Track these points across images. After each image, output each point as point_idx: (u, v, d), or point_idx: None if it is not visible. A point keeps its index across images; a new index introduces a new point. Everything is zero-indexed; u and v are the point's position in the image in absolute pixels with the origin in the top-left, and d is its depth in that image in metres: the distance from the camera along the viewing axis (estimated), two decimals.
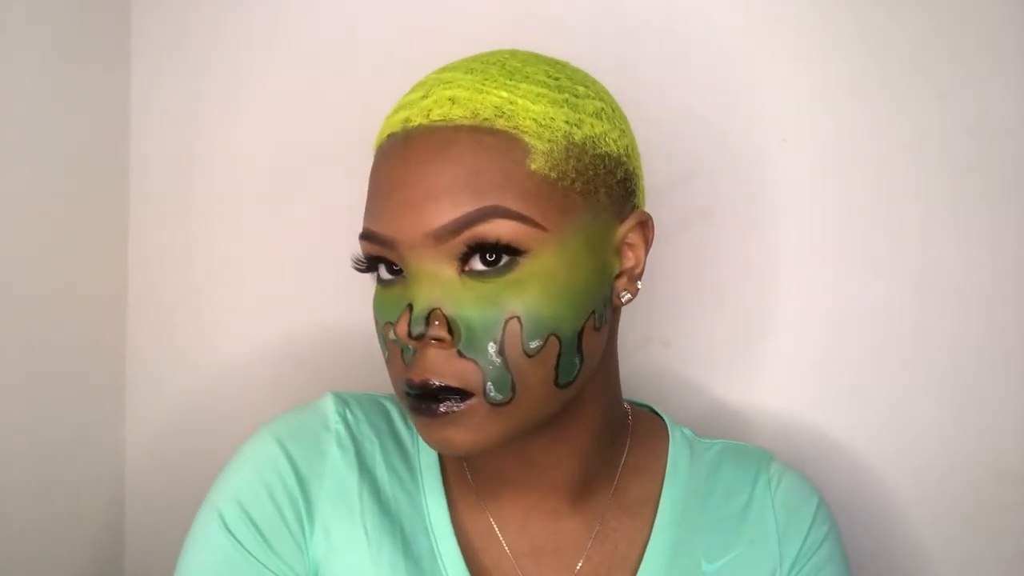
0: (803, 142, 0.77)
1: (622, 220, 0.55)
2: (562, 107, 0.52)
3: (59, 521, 0.80)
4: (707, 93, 0.79)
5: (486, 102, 0.51)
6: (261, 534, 0.54)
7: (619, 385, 0.61)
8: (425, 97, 0.52)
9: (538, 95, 0.52)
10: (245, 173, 0.87)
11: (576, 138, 0.52)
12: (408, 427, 0.61)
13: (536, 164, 0.50)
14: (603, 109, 0.54)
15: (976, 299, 0.74)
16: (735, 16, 0.78)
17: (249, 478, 0.56)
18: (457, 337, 0.50)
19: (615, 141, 0.54)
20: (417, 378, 0.50)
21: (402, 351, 0.51)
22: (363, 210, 0.54)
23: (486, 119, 0.50)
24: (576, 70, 0.56)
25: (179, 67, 0.87)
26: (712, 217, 0.79)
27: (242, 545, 0.54)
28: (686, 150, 0.79)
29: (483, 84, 0.52)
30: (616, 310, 0.57)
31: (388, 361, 0.53)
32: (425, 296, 0.50)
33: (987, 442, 0.74)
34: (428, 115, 0.51)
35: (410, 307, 0.50)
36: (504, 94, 0.51)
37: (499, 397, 0.50)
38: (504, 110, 0.50)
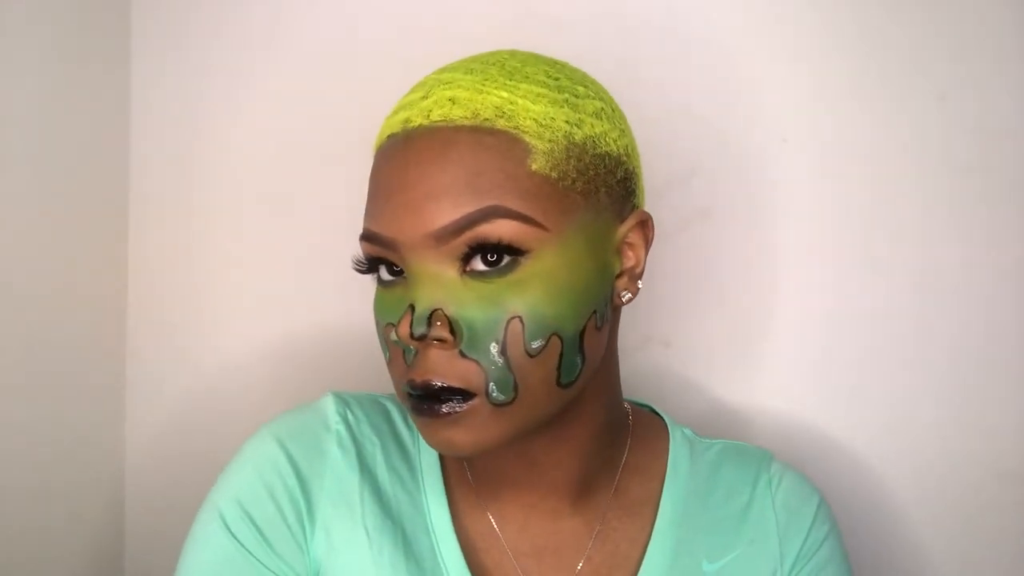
0: (803, 142, 0.77)
1: (622, 220, 0.55)
2: (562, 107, 0.52)
3: (59, 521, 0.80)
4: (707, 93, 0.79)
5: (486, 102, 0.51)
6: (262, 534, 0.54)
7: (619, 385, 0.61)
8: (425, 98, 0.52)
9: (538, 95, 0.52)
10: (245, 173, 0.87)
11: (576, 138, 0.52)
12: (409, 427, 0.61)
13: (537, 164, 0.50)
14: (603, 109, 0.54)
15: (976, 299, 0.74)
16: (735, 16, 0.78)
17: (250, 478, 0.56)
18: (459, 337, 0.50)
19: (615, 141, 0.54)
20: (419, 379, 0.50)
21: (404, 352, 0.51)
22: (363, 210, 0.54)
23: (486, 119, 0.50)
24: (575, 70, 0.56)
25: (179, 67, 0.87)
26: (712, 217, 0.79)
27: (243, 545, 0.54)
28: (686, 150, 0.79)
29: (483, 84, 0.52)
30: (616, 310, 0.57)
31: (390, 362, 0.53)
32: (427, 297, 0.50)
33: (987, 442, 0.74)
34: (428, 115, 0.51)
35: (412, 308, 0.50)
36: (504, 94, 0.51)
37: (501, 397, 0.50)
38: (504, 110, 0.50)
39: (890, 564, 0.76)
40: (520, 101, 0.51)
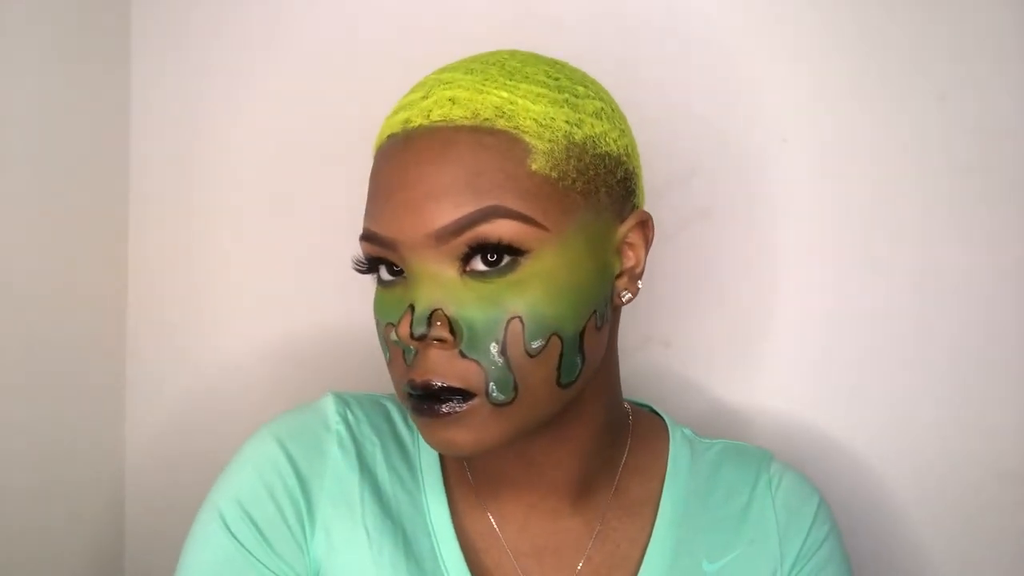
0: (803, 142, 0.77)
1: (622, 220, 0.55)
2: (562, 107, 0.52)
3: (59, 521, 0.80)
4: (707, 93, 0.79)
5: (486, 102, 0.51)
6: (262, 534, 0.54)
7: (619, 385, 0.61)
8: (425, 98, 0.52)
9: (538, 95, 0.52)
10: (245, 173, 0.87)
11: (576, 138, 0.52)
12: (409, 427, 0.61)
13: (537, 164, 0.50)
14: (603, 109, 0.54)
15: (976, 299, 0.74)
16: (735, 16, 0.78)
17: (250, 478, 0.56)
18: (459, 338, 0.50)
19: (615, 141, 0.54)
20: (419, 379, 0.50)
21: (404, 352, 0.51)
22: (363, 210, 0.54)
23: (486, 119, 0.50)
24: (575, 70, 0.56)
25: (179, 67, 0.87)
26: (712, 217, 0.79)
27: (243, 545, 0.54)
28: (686, 150, 0.79)
29: (483, 84, 0.52)
30: (616, 310, 0.57)
31: (390, 363, 0.53)
32: (427, 297, 0.50)
33: (987, 442, 0.74)
34: (428, 116, 0.51)
35: (412, 308, 0.50)
36: (504, 94, 0.51)
37: (501, 397, 0.50)
38: (504, 110, 0.50)
39: (890, 564, 0.76)
40: (520, 101, 0.51)
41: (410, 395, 0.51)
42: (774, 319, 0.79)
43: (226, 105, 0.87)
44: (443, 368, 0.50)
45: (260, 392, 0.87)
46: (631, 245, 0.55)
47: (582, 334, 0.51)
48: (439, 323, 0.49)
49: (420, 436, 0.59)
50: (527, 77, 0.52)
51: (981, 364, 0.74)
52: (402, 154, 0.51)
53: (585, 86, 0.55)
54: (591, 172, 0.52)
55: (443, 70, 0.55)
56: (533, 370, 0.50)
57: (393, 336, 0.51)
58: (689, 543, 0.59)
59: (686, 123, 0.79)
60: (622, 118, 0.57)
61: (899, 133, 0.75)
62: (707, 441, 0.65)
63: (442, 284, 0.50)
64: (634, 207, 0.56)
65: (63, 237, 0.79)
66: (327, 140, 0.84)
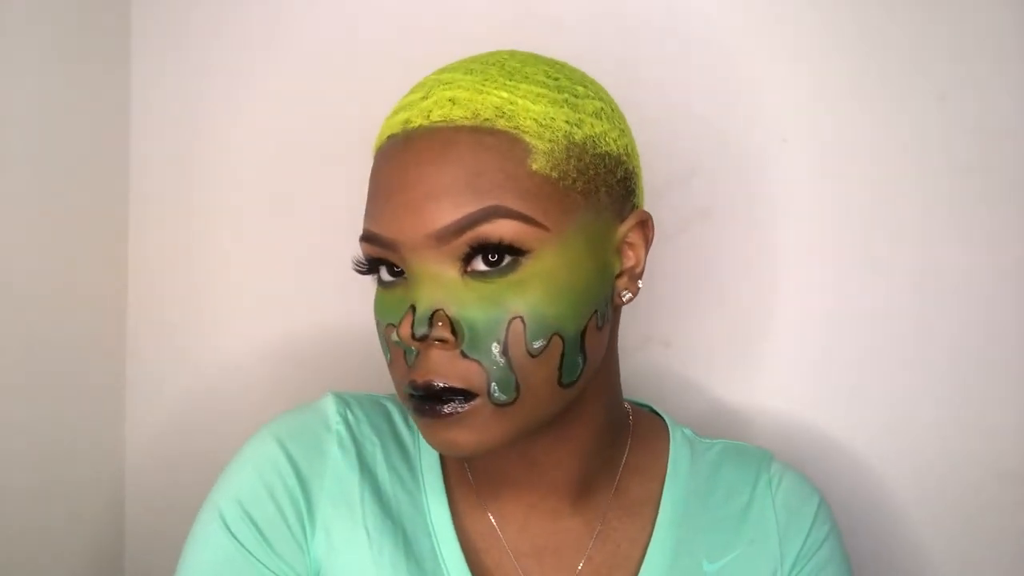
0: (803, 142, 0.77)
1: (622, 219, 0.55)
2: (562, 107, 0.52)
3: (59, 521, 0.80)
4: (707, 93, 0.79)
5: (486, 102, 0.51)
6: (262, 534, 0.54)
7: (620, 385, 0.61)
8: (425, 98, 0.52)
9: (538, 95, 0.52)
10: (245, 173, 0.87)
11: (576, 138, 0.52)
12: (409, 427, 0.61)
13: (537, 164, 0.50)
14: (602, 109, 0.54)
15: (976, 299, 0.74)
16: (735, 16, 0.78)
17: (250, 478, 0.56)
18: (460, 338, 0.50)
19: (615, 140, 0.54)
20: (421, 379, 0.50)
21: (405, 353, 0.51)
22: (363, 211, 0.53)
23: (487, 119, 0.50)
24: (574, 70, 0.56)
25: (179, 67, 0.87)
26: (712, 217, 0.79)
27: (243, 545, 0.54)
28: (686, 150, 0.79)
29: (483, 84, 0.52)
30: (617, 309, 0.57)
31: (391, 363, 0.53)
32: (428, 297, 0.50)
33: (987, 442, 0.74)
34: (428, 116, 0.51)
35: (413, 308, 0.50)
36: (504, 94, 0.51)
37: (503, 397, 0.50)
38: (505, 110, 0.50)
39: (890, 564, 0.76)
40: (520, 101, 0.51)
41: (411, 396, 0.51)
42: (774, 319, 0.79)
43: (226, 105, 0.87)
44: (444, 368, 0.50)
45: (260, 392, 0.87)
46: (631, 245, 0.55)
47: (583, 334, 0.51)
48: (440, 323, 0.49)
49: (420, 436, 0.59)
50: (527, 77, 0.52)
51: (981, 364, 0.74)
52: (402, 154, 0.51)
53: (585, 86, 0.55)
54: (591, 172, 0.52)
55: (443, 70, 0.55)
56: (535, 370, 0.50)
57: (394, 337, 0.51)
58: (689, 543, 0.59)
59: (686, 123, 0.79)
60: (621, 118, 0.57)
61: (899, 133, 0.75)
62: (707, 441, 0.65)
63: (443, 284, 0.50)
64: (634, 207, 0.56)
65: (63, 237, 0.79)
66: (327, 140, 0.84)
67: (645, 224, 0.56)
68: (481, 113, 0.50)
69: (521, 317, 0.49)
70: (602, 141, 0.53)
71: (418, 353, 0.50)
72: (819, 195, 0.77)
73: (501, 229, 0.49)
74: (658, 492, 0.61)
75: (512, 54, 0.55)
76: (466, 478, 0.60)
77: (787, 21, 0.77)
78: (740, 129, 0.78)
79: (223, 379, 0.88)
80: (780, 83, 0.77)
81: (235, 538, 0.54)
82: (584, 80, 0.56)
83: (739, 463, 0.63)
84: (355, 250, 0.54)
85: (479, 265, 0.50)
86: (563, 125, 0.51)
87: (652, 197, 0.68)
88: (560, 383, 0.51)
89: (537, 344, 0.50)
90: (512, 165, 0.50)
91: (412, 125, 0.52)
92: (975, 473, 0.75)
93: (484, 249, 0.49)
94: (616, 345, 0.59)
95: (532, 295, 0.49)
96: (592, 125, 0.53)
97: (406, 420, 0.62)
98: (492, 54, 0.56)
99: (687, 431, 0.65)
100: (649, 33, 0.79)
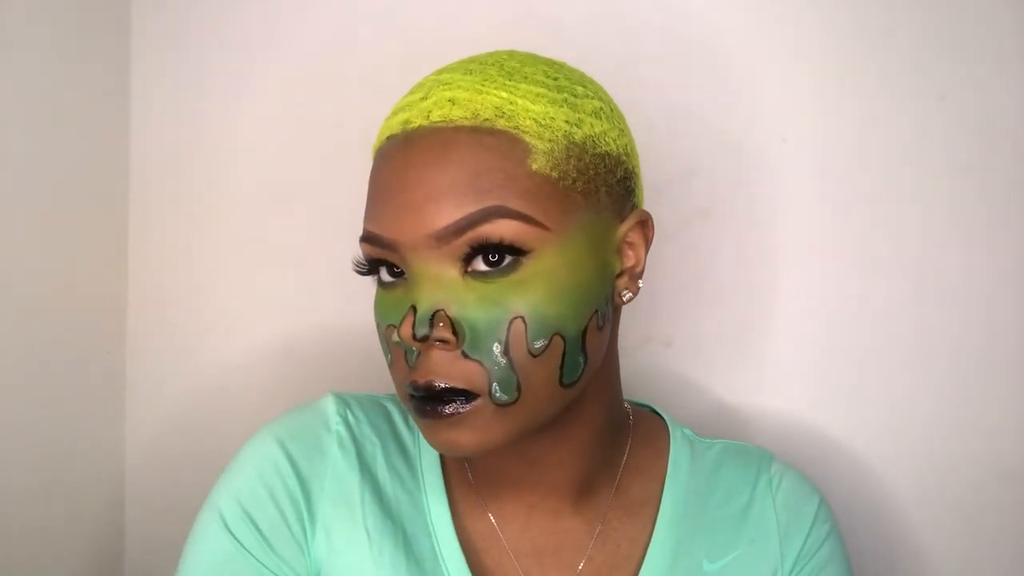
0: (803, 142, 0.77)
1: (622, 219, 0.55)
2: (562, 107, 0.52)
3: (59, 521, 0.80)
4: (707, 93, 0.79)
5: (486, 103, 0.51)
6: (262, 535, 0.54)
7: (620, 384, 0.61)
8: (424, 99, 0.52)
9: (538, 95, 0.52)
10: (245, 173, 0.87)
11: (576, 137, 0.52)
12: (409, 427, 0.61)
13: (537, 164, 0.50)
14: (602, 108, 0.54)
15: (976, 299, 0.74)
16: (735, 16, 0.78)
17: (250, 479, 0.56)
18: (461, 338, 0.50)
19: (615, 140, 0.54)
20: (422, 380, 0.50)
21: (406, 353, 0.51)
22: (363, 211, 0.53)
23: (486, 119, 0.50)
24: (573, 70, 0.56)
25: (179, 67, 0.87)
26: (712, 217, 0.79)
27: (243, 546, 0.54)
28: (686, 150, 0.79)
29: (482, 85, 0.52)
30: (617, 309, 0.57)
31: (391, 364, 0.53)
32: (428, 298, 0.50)
33: (987, 442, 0.74)
34: (428, 116, 0.51)
35: (413, 309, 0.50)
36: (504, 94, 0.51)
37: (504, 398, 0.50)
38: (504, 110, 0.50)
39: (890, 564, 0.76)
40: (520, 101, 0.51)
41: (412, 396, 0.51)
42: (774, 319, 0.79)
43: (226, 105, 0.87)
44: (445, 369, 0.50)
45: (260, 392, 0.87)
46: (631, 244, 0.55)
47: (584, 334, 0.51)
48: (441, 324, 0.49)
49: (421, 436, 0.59)
50: (526, 77, 0.52)
51: (981, 364, 0.74)
52: (402, 155, 0.51)
53: (584, 86, 0.55)
54: (591, 171, 0.52)
55: (442, 71, 0.55)
56: (536, 370, 0.50)
57: (395, 337, 0.51)
58: (689, 543, 0.59)
59: (686, 123, 0.79)
60: (621, 118, 0.57)
61: (899, 133, 0.75)
62: (707, 441, 0.65)
63: (444, 285, 0.50)
64: (634, 206, 0.56)
65: (63, 237, 0.79)
66: (327, 140, 0.84)
67: (645, 224, 0.56)
68: (481, 113, 0.50)
69: (522, 317, 0.49)
70: (602, 141, 0.53)
71: (419, 354, 0.50)
72: (819, 195, 0.77)
73: (501, 229, 0.49)
74: (658, 492, 0.61)
75: (511, 54, 0.55)
76: (466, 478, 0.60)
77: (787, 21, 0.77)
78: (740, 129, 0.78)
79: (223, 379, 0.88)
80: (780, 83, 0.77)
81: (235, 538, 0.54)
82: (583, 80, 0.56)
83: (739, 463, 0.63)
84: (355, 250, 0.54)
85: (480, 265, 0.50)
86: (563, 125, 0.51)
87: (652, 197, 0.68)
88: (561, 383, 0.51)
89: (538, 344, 0.50)
90: (512, 165, 0.50)
91: (412, 126, 0.52)
92: (975, 473, 0.75)
93: (485, 249, 0.49)
94: (616, 345, 0.59)
95: (533, 295, 0.49)
96: (592, 125, 0.53)
97: (406, 420, 0.62)
98: (491, 54, 0.56)
99: (687, 431, 0.65)
100: (649, 33, 0.79)
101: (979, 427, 0.74)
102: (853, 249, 0.76)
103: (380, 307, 0.54)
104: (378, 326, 0.54)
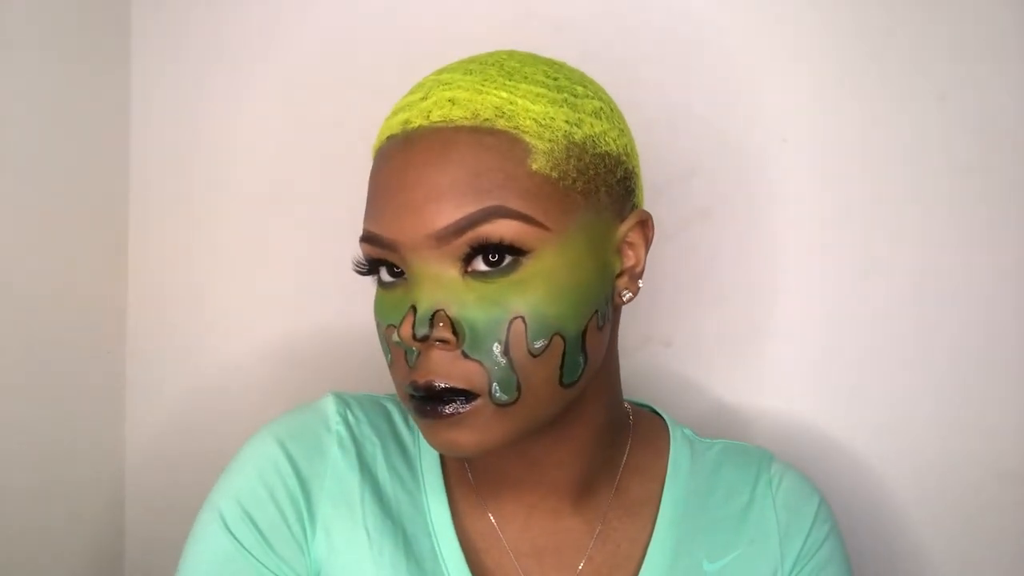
0: (803, 142, 0.77)
1: (622, 219, 0.55)
2: (562, 107, 0.52)
3: (59, 521, 0.80)
4: (707, 93, 0.79)
5: (486, 103, 0.51)
6: (262, 535, 0.54)
7: (620, 384, 0.61)
8: (424, 99, 0.52)
9: (538, 95, 0.52)
10: (245, 173, 0.87)
11: (576, 137, 0.52)
12: (409, 428, 0.61)
13: (537, 164, 0.50)
14: (602, 108, 0.54)
15: (976, 299, 0.74)
16: (735, 16, 0.78)
17: (250, 479, 0.56)
18: (461, 338, 0.50)
19: (615, 140, 0.54)
20: (422, 380, 0.50)
21: (406, 353, 0.51)
22: (363, 210, 0.53)
23: (486, 119, 0.50)
24: (573, 70, 0.56)
25: (179, 67, 0.87)
26: (712, 217, 0.79)
27: (243, 546, 0.54)
28: (686, 150, 0.79)
29: (482, 85, 0.52)
30: (617, 309, 0.57)
31: (391, 364, 0.53)
32: (428, 298, 0.50)
33: (987, 442, 0.74)
34: (428, 116, 0.51)
35: (413, 309, 0.50)
36: (504, 94, 0.51)
37: (504, 398, 0.50)
38: (504, 110, 0.50)
39: (890, 564, 0.76)
40: (520, 101, 0.51)
41: (412, 396, 0.51)
42: (774, 319, 0.79)
43: (226, 105, 0.87)
44: (445, 369, 0.50)
45: (260, 392, 0.87)
46: (631, 244, 0.55)
47: (584, 334, 0.51)
48: (441, 324, 0.49)
49: (421, 436, 0.59)
50: (526, 77, 0.52)
51: (981, 364, 0.74)
52: (402, 155, 0.51)
53: (584, 86, 0.55)
54: (591, 171, 0.52)
55: (442, 71, 0.55)
56: (536, 370, 0.50)
57: (395, 337, 0.51)
58: (689, 543, 0.59)
59: (686, 123, 0.79)
60: (621, 118, 0.57)
61: (899, 133, 0.75)
62: (707, 441, 0.65)
63: (444, 285, 0.50)
64: (634, 206, 0.56)
65: (63, 237, 0.79)
66: (327, 140, 0.84)
67: (645, 224, 0.56)
68: (481, 113, 0.50)
69: (522, 317, 0.49)
70: (602, 141, 0.53)
71: (419, 354, 0.50)
72: (819, 195, 0.77)
73: (501, 229, 0.49)
74: (658, 492, 0.61)
75: (511, 54, 0.55)
76: (466, 478, 0.60)
77: (787, 21, 0.77)
78: (740, 129, 0.78)
79: (223, 379, 0.88)
80: (780, 83, 0.77)
81: (235, 538, 0.54)
82: (583, 80, 0.56)
83: (739, 463, 0.63)
84: (355, 250, 0.54)
85: (480, 265, 0.50)
86: (563, 125, 0.51)
87: (652, 197, 0.68)
88: (561, 383, 0.51)
89: (538, 344, 0.50)
90: (512, 165, 0.50)
91: (412, 126, 0.52)
92: (975, 473, 0.75)
93: (485, 249, 0.49)
94: (616, 345, 0.59)
95: (533, 295, 0.49)
96: (592, 125, 0.53)
97: (406, 420, 0.62)
98: (491, 54, 0.56)
99: (687, 431, 0.65)
100: (649, 33, 0.79)
101: (979, 427, 0.74)
102: (853, 249, 0.76)
103: (380, 307, 0.54)
104: (378, 326, 0.54)
